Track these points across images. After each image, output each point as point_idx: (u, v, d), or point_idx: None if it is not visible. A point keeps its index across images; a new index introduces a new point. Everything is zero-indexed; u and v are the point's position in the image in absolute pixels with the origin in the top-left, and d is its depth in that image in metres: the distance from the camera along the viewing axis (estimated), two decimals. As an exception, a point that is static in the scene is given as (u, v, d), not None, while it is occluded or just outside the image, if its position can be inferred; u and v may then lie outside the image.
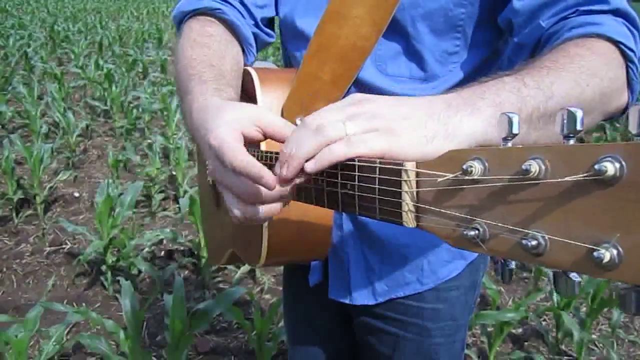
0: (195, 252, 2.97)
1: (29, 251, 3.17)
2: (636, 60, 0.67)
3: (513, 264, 0.41)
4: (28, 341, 1.90)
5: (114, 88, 5.72)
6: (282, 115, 0.84)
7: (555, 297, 2.39)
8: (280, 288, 1.87)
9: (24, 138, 4.33)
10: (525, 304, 2.20)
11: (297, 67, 0.88)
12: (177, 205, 3.58)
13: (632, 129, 0.34)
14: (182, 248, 3.13)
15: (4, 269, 2.96)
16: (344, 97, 0.78)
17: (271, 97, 0.85)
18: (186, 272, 2.96)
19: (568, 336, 2.31)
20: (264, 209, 0.62)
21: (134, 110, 5.22)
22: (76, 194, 3.90)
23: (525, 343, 2.45)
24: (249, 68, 0.88)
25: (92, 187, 3.94)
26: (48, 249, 3.19)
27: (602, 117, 0.67)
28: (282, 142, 0.61)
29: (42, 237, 3.31)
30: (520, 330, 2.52)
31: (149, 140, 4.59)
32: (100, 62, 7.25)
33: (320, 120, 0.54)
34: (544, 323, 2.52)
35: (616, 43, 0.66)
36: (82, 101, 6.18)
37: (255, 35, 0.93)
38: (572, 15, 0.70)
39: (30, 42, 9.36)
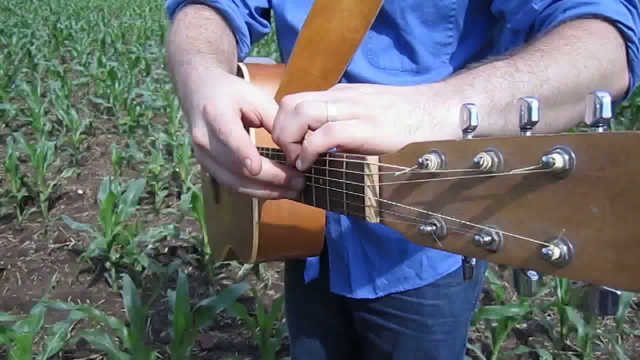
0: (199, 249, 2.97)
1: (33, 248, 3.17)
2: (636, 40, 0.64)
3: (474, 261, 0.40)
4: (32, 338, 1.91)
5: (116, 85, 5.73)
6: None
7: (559, 291, 2.38)
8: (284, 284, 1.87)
9: (27, 136, 4.35)
10: (530, 298, 2.19)
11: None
12: (180, 202, 3.58)
13: (587, 119, 0.32)
14: (185, 244, 3.14)
15: (8, 266, 2.97)
16: None
17: None
18: (190, 268, 2.97)
19: (573, 331, 2.30)
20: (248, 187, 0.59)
21: (137, 108, 5.23)
22: (80, 191, 3.91)
23: (530, 338, 2.44)
24: (240, 64, 0.87)
25: (95, 184, 3.95)
26: (52, 246, 3.19)
27: None
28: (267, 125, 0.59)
29: (45, 234, 3.32)
30: (524, 325, 2.52)
31: (152, 138, 4.60)
32: (103, 59, 7.25)
33: (300, 99, 0.52)
34: (548, 318, 2.51)
35: (614, 22, 0.63)
36: (85, 99, 6.19)
37: (249, 25, 0.92)
38: None
39: (33, 40, 9.37)
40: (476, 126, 0.39)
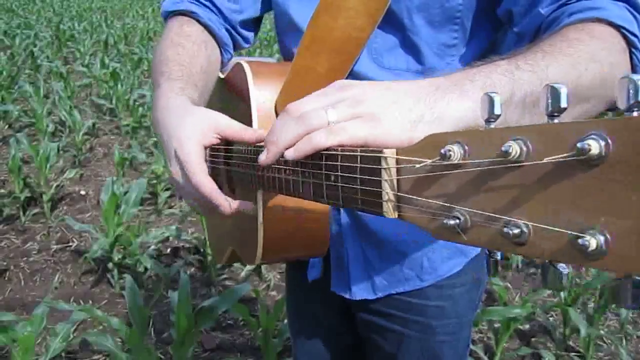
0: (201, 250, 2.97)
1: (36, 249, 3.18)
2: (639, 45, 0.65)
3: (499, 255, 0.39)
4: (35, 338, 1.91)
5: (119, 86, 5.74)
6: (275, 109, 0.83)
7: (562, 293, 2.37)
8: (286, 285, 1.87)
9: (30, 137, 4.35)
10: (532, 299, 2.19)
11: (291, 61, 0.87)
12: (183, 203, 3.58)
13: (620, 104, 0.30)
14: (187, 245, 3.14)
15: (11, 267, 2.97)
16: None
17: (264, 92, 0.83)
18: (192, 269, 2.97)
19: (575, 332, 2.29)
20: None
21: (140, 109, 5.23)
22: (82, 192, 3.92)
23: (533, 339, 2.43)
24: (242, 62, 0.87)
25: (98, 185, 3.95)
26: (54, 246, 3.20)
27: (605, 104, 0.63)
28: (240, 142, 0.71)
29: (48, 235, 3.32)
30: (527, 326, 2.51)
31: (154, 138, 4.60)
32: (106, 60, 7.27)
33: (303, 107, 0.54)
34: (551, 319, 2.51)
35: (618, 28, 0.64)
36: (88, 100, 6.20)
37: (231, 36, 0.97)
38: (572, 1, 0.68)
39: (36, 41, 9.39)
40: (499, 115, 0.37)
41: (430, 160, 0.39)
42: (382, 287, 0.94)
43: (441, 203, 0.39)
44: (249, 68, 0.85)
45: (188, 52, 0.85)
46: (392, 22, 0.79)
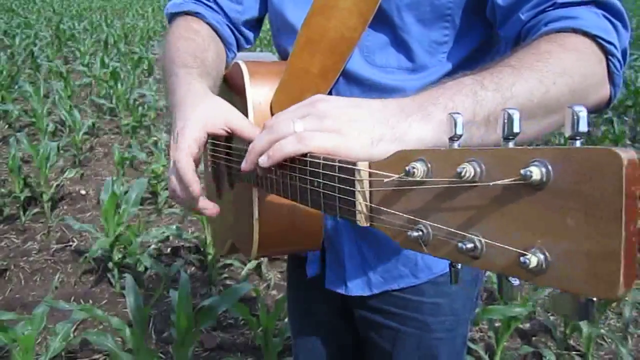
0: (201, 249, 2.97)
1: (36, 249, 3.18)
2: (617, 53, 0.65)
3: (459, 265, 0.42)
4: (35, 338, 1.91)
5: (119, 86, 5.73)
6: (271, 109, 0.85)
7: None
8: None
9: (30, 136, 4.35)
10: (533, 298, 2.19)
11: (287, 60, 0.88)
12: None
13: (566, 132, 0.33)
14: (188, 245, 3.14)
15: (12, 267, 2.97)
16: (331, 89, 0.83)
17: (260, 91, 0.85)
18: (192, 268, 2.97)
19: (576, 331, 2.29)
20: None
21: (140, 108, 5.23)
22: (82, 192, 3.92)
23: (533, 338, 2.43)
24: (239, 61, 0.88)
25: (98, 184, 3.95)
26: (55, 246, 3.20)
27: None
28: (247, 141, 0.71)
29: (48, 234, 3.32)
30: (527, 325, 2.51)
31: (154, 138, 4.60)
32: (106, 60, 7.26)
33: (276, 119, 0.60)
34: (551, 318, 2.50)
35: (593, 37, 0.64)
36: (88, 99, 6.20)
37: (234, 37, 0.98)
38: (549, 9, 0.68)
39: (36, 41, 9.38)
40: (461, 135, 0.40)
41: (397, 176, 0.43)
42: (377, 284, 0.95)
43: (406, 216, 0.42)
44: (246, 68, 0.86)
45: (199, 45, 0.87)
46: (382, 21, 0.80)
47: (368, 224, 0.48)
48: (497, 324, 2.24)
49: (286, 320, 2.23)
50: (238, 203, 0.90)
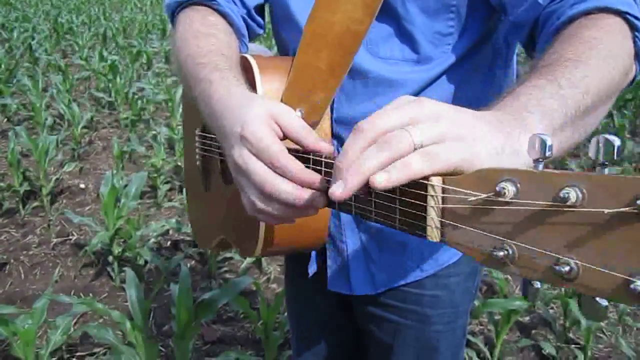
0: (201, 243, 2.97)
1: (36, 242, 3.18)
2: None
3: (539, 284, 0.41)
4: (35, 332, 1.91)
5: (118, 79, 5.71)
6: None
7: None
8: (286, 277, 1.87)
9: (29, 130, 4.34)
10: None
11: (292, 55, 0.86)
12: (183, 196, 3.58)
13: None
14: (188, 238, 3.14)
15: (11, 261, 2.97)
16: (339, 84, 0.80)
17: (270, 87, 0.83)
18: (192, 262, 2.97)
19: (576, 324, 2.30)
20: (279, 209, 0.62)
21: (139, 102, 5.21)
22: (82, 186, 3.91)
23: (533, 331, 2.44)
24: (247, 56, 0.87)
25: (97, 178, 3.95)
26: (54, 240, 3.20)
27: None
28: (298, 145, 0.62)
29: (48, 228, 3.32)
30: (527, 318, 2.51)
31: (153, 131, 4.59)
32: (105, 53, 7.23)
33: (379, 126, 0.48)
34: (551, 311, 2.51)
35: (621, 13, 0.64)
36: (86, 93, 6.17)
37: (247, 26, 0.94)
38: None
39: (35, 34, 9.34)
40: (550, 156, 0.40)
41: (485, 195, 0.42)
42: (382, 282, 0.94)
43: (490, 235, 0.42)
44: (255, 63, 0.84)
45: (223, 43, 0.82)
46: (386, 11, 0.79)
47: (439, 240, 0.46)
48: (497, 317, 2.24)
49: (286, 313, 2.24)
50: (238, 201, 0.89)
